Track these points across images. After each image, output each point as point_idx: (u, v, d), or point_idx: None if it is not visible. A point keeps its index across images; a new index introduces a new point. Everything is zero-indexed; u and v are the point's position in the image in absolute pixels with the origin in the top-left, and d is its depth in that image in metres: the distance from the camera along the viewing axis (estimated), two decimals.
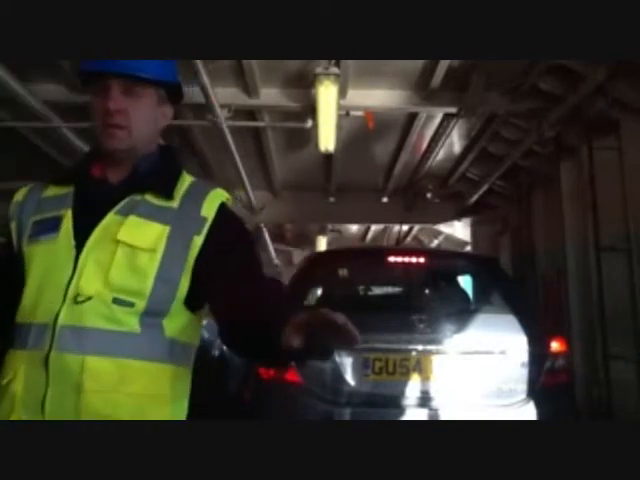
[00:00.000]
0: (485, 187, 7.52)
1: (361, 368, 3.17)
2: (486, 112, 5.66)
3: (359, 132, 6.25)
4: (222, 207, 1.36)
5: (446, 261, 4.35)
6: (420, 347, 3.21)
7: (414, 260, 3.78)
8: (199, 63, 4.37)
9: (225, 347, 6.85)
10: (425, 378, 3.17)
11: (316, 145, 5.96)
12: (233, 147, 6.24)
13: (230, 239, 1.35)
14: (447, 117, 5.83)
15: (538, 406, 3.16)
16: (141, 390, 1.24)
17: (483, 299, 4.04)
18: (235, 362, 6.79)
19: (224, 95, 5.28)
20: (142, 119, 1.33)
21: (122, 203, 1.30)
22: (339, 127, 5.65)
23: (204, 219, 1.32)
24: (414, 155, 7.25)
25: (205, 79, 4.62)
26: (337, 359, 3.16)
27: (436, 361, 3.20)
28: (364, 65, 4.86)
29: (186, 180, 1.40)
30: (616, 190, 5.01)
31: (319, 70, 4.63)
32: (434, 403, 3.14)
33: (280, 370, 3.00)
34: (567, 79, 4.81)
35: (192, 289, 1.31)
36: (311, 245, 11.93)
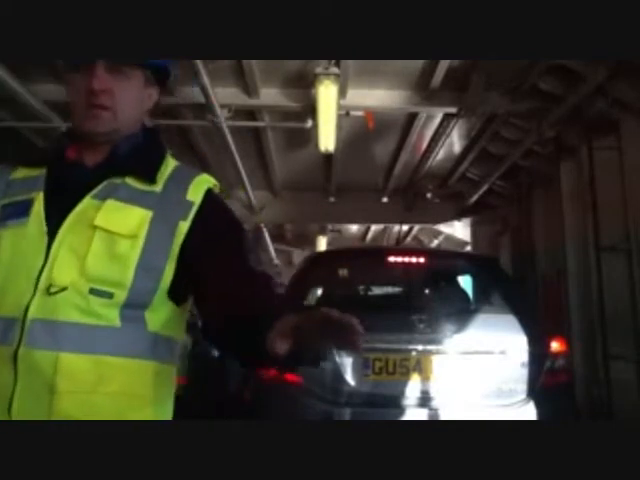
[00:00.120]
0: (485, 187, 7.52)
1: (361, 368, 3.17)
2: (486, 112, 5.66)
3: (359, 132, 6.25)
4: (209, 192, 1.26)
5: (446, 261, 4.35)
6: (420, 347, 3.21)
7: (414, 260, 3.78)
8: (199, 63, 4.37)
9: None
10: (425, 378, 3.17)
11: (316, 145, 5.96)
12: (233, 147, 6.24)
13: (218, 226, 1.25)
14: (447, 117, 5.83)
15: (538, 406, 3.16)
16: (121, 390, 1.14)
17: (483, 299, 4.04)
18: (235, 362, 6.79)
19: (224, 95, 5.28)
20: (128, 101, 1.24)
21: (100, 186, 1.19)
22: (339, 127, 5.65)
23: (190, 203, 1.22)
24: (414, 155, 7.25)
25: (205, 79, 4.62)
26: (337, 359, 3.16)
27: (436, 361, 3.20)
28: (364, 65, 4.86)
29: (170, 164, 1.29)
30: (616, 190, 5.01)
31: (319, 70, 4.63)
32: (434, 403, 3.14)
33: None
34: (567, 79, 4.82)
35: (176, 279, 1.20)
36: (311, 245, 11.93)
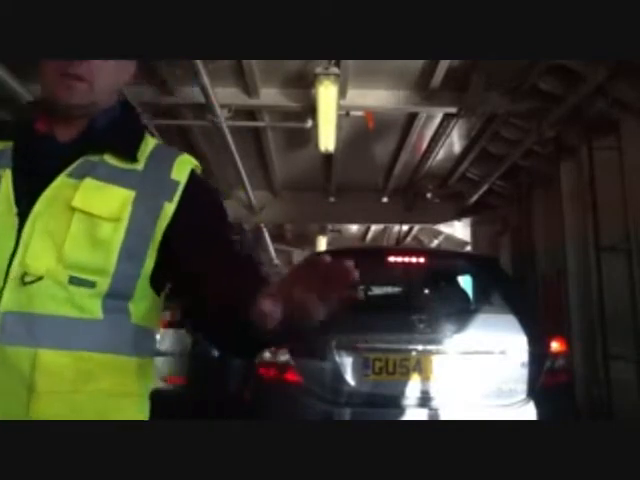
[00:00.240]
0: (485, 187, 7.52)
1: (361, 368, 3.17)
2: (486, 112, 5.66)
3: (359, 132, 6.25)
4: (193, 173, 1.17)
5: (446, 261, 4.35)
6: (420, 347, 3.21)
7: (414, 260, 3.78)
8: (199, 63, 4.37)
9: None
10: (425, 378, 3.17)
11: (316, 145, 5.96)
12: (233, 147, 6.24)
13: (205, 209, 1.17)
14: (447, 117, 5.83)
15: (538, 406, 3.16)
16: (104, 388, 1.05)
17: (483, 299, 4.03)
18: (235, 362, 6.79)
19: (224, 95, 5.28)
20: (106, 71, 1.14)
21: (75, 164, 1.08)
22: (339, 127, 5.65)
23: (175, 182, 1.13)
24: (414, 155, 7.25)
25: (205, 79, 4.62)
26: (337, 359, 3.16)
27: (436, 361, 3.20)
28: (364, 65, 4.86)
29: (150, 141, 1.19)
30: (616, 190, 5.01)
31: (319, 70, 4.63)
32: (434, 403, 3.14)
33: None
34: (567, 79, 4.82)
35: (159, 264, 1.11)
36: (311, 245, 11.92)
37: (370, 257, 4.27)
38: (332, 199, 8.75)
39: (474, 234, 9.61)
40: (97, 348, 1.04)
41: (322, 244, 11.54)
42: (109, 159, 1.11)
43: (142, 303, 1.11)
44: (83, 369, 1.03)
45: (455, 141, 6.86)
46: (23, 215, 1.03)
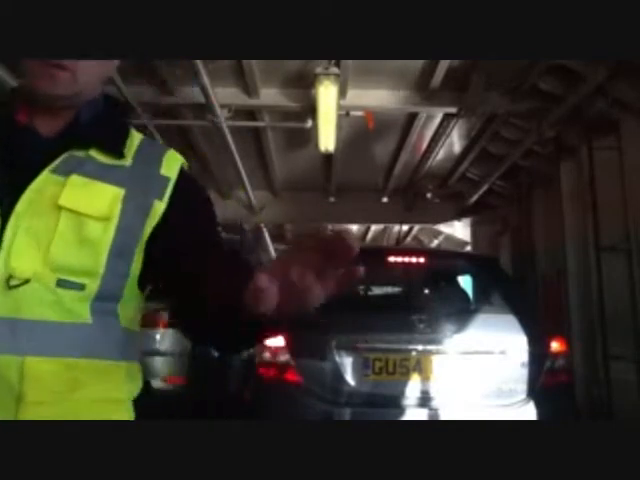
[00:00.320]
0: (485, 187, 7.52)
1: (361, 368, 3.17)
2: (486, 112, 5.66)
3: (359, 132, 6.25)
4: (183, 169, 1.12)
5: (446, 261, 4.36)
6: (420, 347, 3.21)
7: (414, 260, 3.78)
8: (199, 63, 4.37)
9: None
10: (425, 378, 3.17)
11: (316, 145, 5.96)
12: (233, 147, 6.24)
13: (196, 207, 1.13)
14: (447, 117, 5.83)
15: (538, 406, 3.17)
16: (95, 396, 1.00)
17: (483, 299, 4.04)
18: (235, 362, 6.80)
19: (224, 95, 5.28)
20: (87, 63, 1.08)
21: (59, 159, 1.00)
22: (339, 127, 5.65)
23: (166, 179, 1.08)
24: (414, 155, 7.25)
25: (205, 79, 4.62)
26: (337, 359, 3.16)
27: (436, 361, 3.20)
28: (364, 65, 4.86)
29: (136, 137, 1.14)
30: (616, 190, 5.01)
31: (319, 70, 4.63)
32: (434, 403, 3.14)
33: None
34: (567, 79, 4.82)
35: (146, 263, 1.05)
36: None
37: (370, 257, 4.27)
38: (332, 199, 8.75)
39: (474, 234, 9.61)
40: (85, 354, 0.98)
41: None
42: (95, 154, 1.04)
43: (130, 305, 1.06)
44: (70, 377, 0.97)
45: (455, 141, 6.86)
46: (5, 214, 0.95)
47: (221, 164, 7.21)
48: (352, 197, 8.77)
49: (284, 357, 3.14)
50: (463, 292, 4.17)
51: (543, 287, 6.69)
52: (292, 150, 7.09)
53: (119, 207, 1.00)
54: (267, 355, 3.16)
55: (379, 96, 5.47)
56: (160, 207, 1.05)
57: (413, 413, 3.10)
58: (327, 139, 5.75)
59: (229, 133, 5.86)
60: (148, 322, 4.55)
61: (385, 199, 8.82)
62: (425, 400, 3.14)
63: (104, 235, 0.99)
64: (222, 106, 5.33)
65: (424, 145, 6.91)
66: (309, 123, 5.69)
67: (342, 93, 5.09)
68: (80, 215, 0.97)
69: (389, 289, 5.18)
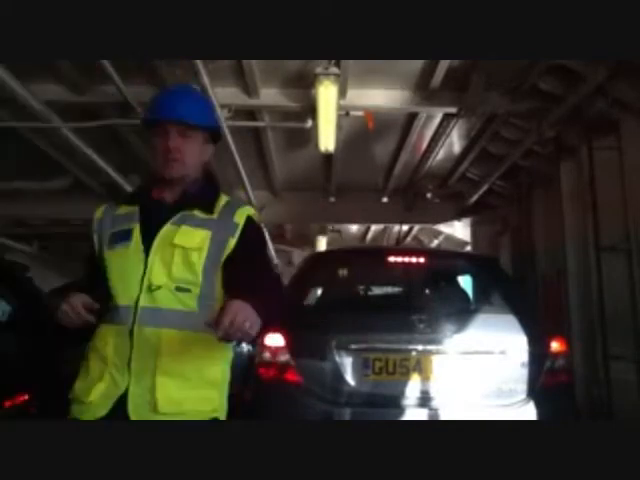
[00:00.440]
0: (485, 187, 7.51)
1: (361, 368, 3.17)
2: (486, 112, 5.65)
3: (359, 132, 6.25)
4: (249, 218, 1.81)
5: (446, 261, 4.35)
6: (420, 347, 3.21)
7: (414, 260, 3.78)
8: (199, 63, 4.37)
9: None
10: (425, 378, 3.17)
11: (316, 145, 5.95)
12: (233, 147, 6.23)
13: (252, 244, 1.79)
14: (447, 117, 5.82)
15: (538, 406, 3.16)
16: (200, 354, 1.67)
17: (483, 299, 4.03)
18: (235, 362, 6.79)
19: (224, 95, 5.28)
20: (192, 154, 1.77)
21: (176, 217, 1.74)
22: (339, 127, 5.65)
23: (236, 224, 1.77)
24: (414, 155, 7.24)
25: (205, 79, 4.61)
26: (337, 359, 3.16)
27: (436, 361, 3.20)
28: (364, 65, 4.86)
29: (223, 199, 1.85)
30: (616, 190, 5.01)
31: (319, 70, 4.63)
32: (434, 403, 3.14)
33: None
34: (567, 79, 4.81)
35: (225, 277, 1.75)
36: (311, 245, 11.91)
37: (370, 257, 4.27)
38: (332, 199, 8.74)
39: (474, 234, 9.60)
40: (195, 328, 1.62)
41: (322, 244, 11.52)
42: (197, 212, 1.77)
43: (221, 301, 1.72)
44: (187, 341, 1.65)
45: (455, 141, 6.85)
46: (147, 250, 1.70)
47: (221, 164, 7.21)
48: (352, 197, 8.76)
49: (284, 357, 3.13)
50: (463, 292, 4.16)
51: (543, 287, 6.68)
52: (292, 150, 7.09)
53: (208, 242, 1.72)
54: (267, 355, 3.16)
55: (379, 96, 5.47)
56: (232, 242, 1.76)
57: (413, 413, 3.09)
58: (327, 139, 5.75)
59: (229, 133, 5.86)
60: None
61: (385, 199, 8.81)
62: (425, 400, 3.14)
63: (199, 259, 1.70)
64: (222, 106, 5.32)
65: (424, 145, 6.90)
66: (309, 123, 5.68)
67: (342, 93, 5.08)
68: (185, 248, 1.70)
69: (389, 289, 5.18)
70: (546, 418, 3.10)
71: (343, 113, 5.52)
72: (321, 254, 6.68)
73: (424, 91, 5.30)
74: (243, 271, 1.73)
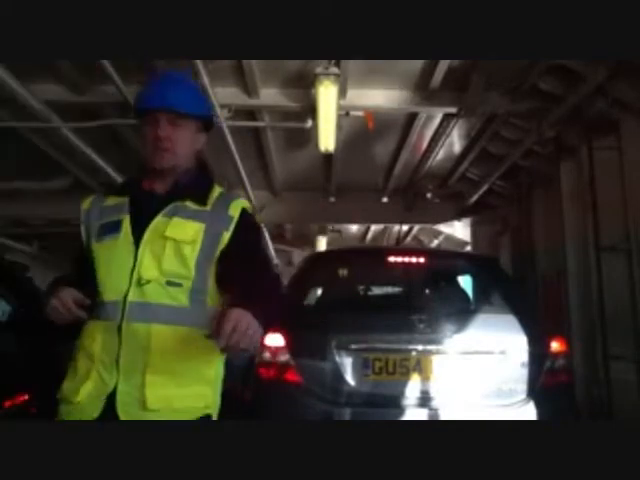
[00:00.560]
0: (485, 187, 7.51)
1: (361, 368, 3.16)
2: (486, 112, 5.65)
3: (359, 132, 6.25)
4: (244, 210, 1.75)
5: (446, 261, 4.35)
6: (420, 347, 3.21)
7: (414, 260, 3.78)
8: (199, 63, 4.37)
9: None
10: (425, 378, 3.17)
11: (316, 145, 5.95)
12: (233, 147, 6.23)
13: (247, 236, 1.73)
14: (447, 117, 5.82)
15: (538, 406, 3.16)
16: (192, 349, 1.60)
17: (483, 299, 4.03)
18: (235, 362, 6.79)
19: (224, 95, 5.28)
20: (183, 143, 1.71)
21: (167, 208, 1.68)
22: (339, 127, 5.64)
23: (231, 217, 1.71)
24: (414, 155, 7.24)
25: (205, 79, 4.61)
26: (337, 359, 3.16)
27: (436, 361, 3.19)
28: (364, 65, 4.86)
29: (216, 190, 1.79)
30: (616, 190, 5.01)
31: (319, 70, 4.63)
32: (434, 403, 3.14)
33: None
34: (567, 79, 4.81)
35: (219, 273, 1.69)
36: (311, 245, 11.91)
37: (370, 257, 4.27)
38: (332, 199, 8.73)
39: (474, 234, 9.59)
40: (187, 323, 1.61)
41: (322, 244, 11.52)
42: (189, 204, 1.71)
43: (214, 296, 1.70)
44: (178, 336, 1.60)
45: (455, 141, 6.85)
46: (137, 243, 1.64)
47: (221, 164, 7.21)
48: (352, 197, 8.76)
49: (284, 357, 3.13)
50: (463, 292, 4.16)
51: (543, 287, 6.68)
52: (292, 150, 7.08)
53: (201, 235, 1.66)
54: (267, 355, 3.16)
55: (379, 96, 5.47)
56: (226, 236, 1.70)
57: (413, 413, 3.09)
58: (327, 139, 5.75)
59: (229, 133, 5.86)
60: None
61: (385, 199, 8.81)
62: (425, 400, 3.14)
63: (192, 253, 1.64)
64: (222, 106, 5.32)
65: (424, 145, 6.90)
66: (309, 123, 5.68)
67: (342, 93, 5.08)
68: (177, 241, 1.63)
69: (389, 289, 5.17)
70: (546, 418, 3.10)
71: (343, 113, 5.51)
72: (321, 254, 6.68)
73: (424, 91, 5.30)
74: (239, 268, 1.68)
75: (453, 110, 5.50)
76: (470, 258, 5.05)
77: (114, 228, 1.68)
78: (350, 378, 3.15)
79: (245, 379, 3.36)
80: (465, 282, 4.42)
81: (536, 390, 3.21)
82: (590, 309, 5.34)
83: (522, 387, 3.21)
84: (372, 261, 4.12)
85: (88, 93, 5.24)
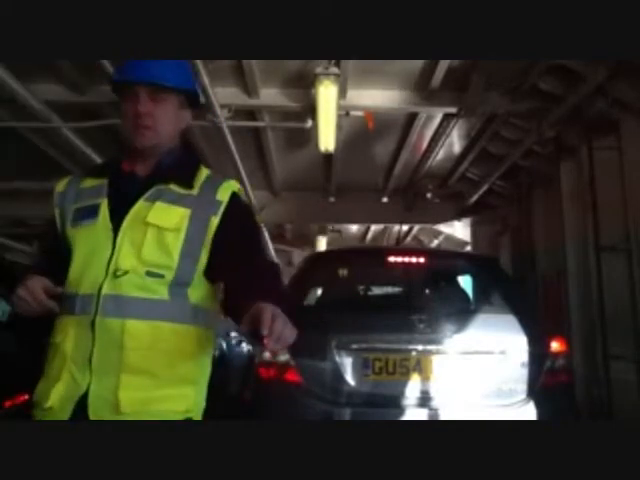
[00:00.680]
0: (485, 187, 7.51)
1: (361, 368, 3.16)
2: (486, 112, 5.65)
3: (359, 132, 6.25)
4: (234, 194, 1.58)
5: (446, 261, 4.35)
6: (420, 347, 3.21)
7: (414, 260, 3.78)
8: (199, 63, 4.37)
9: (225, 346, 6.86)
10: (425, 378, 3.17)
11: (316, 145, 5.95)
12: (233, 147, 6.23)
13: (240, 221, 1.57)
14: (447, 117, 5.82)
15: (538, 406, 3.16)
16: (171, 347, 1.47)
17: (483, 299, 4.03)
18: (235, 362, 6.79)
19: (224, 95, 5.28)
20: (165, 120, 1.55)
21: (150, 192, 1.52)
22: (339, 127, 5.65)
23: (219, 202, 1.55)
24: (414, 155, 7.24)
25: (205, 79, 4.61)
26: (337, 359, 3.16)
27: (436, 361, 3.19)
28: (364, 65, 4.86)
29: (203, 172, 1.63)
30: (616, 190, 5.01)
31: (319, 70, 4.63)
32: (434, 403, 3.14)
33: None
34: (567, 79, 4.81)
35: (209, 262, 1.54)
36: (311, 245, 11.91)
37: (370, 257, 4.27)
38: (332, 199, 8.74)
39: (474, 234, 9.60)
40: (166, 319, 1.47)
41: (322, 244, 11.53)
42: (173, 187, 1.55)
43: (198, 289, 1.54)
44: (156, 333, 1.45)
45: (455, 141, 6.85)
46: (116, 230, 1.48)
47: (221, 164, 7.20)
48: (352, 197, 8.77)
49: (284, 357, 3.13)
50: (463, 292, 4.16)
51: (543, 287, 6.68)
52: (292, 150, 7.09)
53: (186, 222, 1.50)
54: (267, 355, 3.16)
55: (379, 96, 5.47)
56: (215, 221, 1.53)
57: (413, 413, 3.09)
58: (327, 139, 5.75)
59: (229, 133, 5.86)
60: None
61: (385, 199, 8.81)
62: (425, 400, 3.14)
63: (176, 241, 1.49)
64: (222, 106, 5.32)
65: (424, 145, 6.90)
66: (309, 123, 5.68)
67: (342, 93, 5.08)
68: (160, 228, 1.48)
69: (389, 289, 5.17)
70: (546, 418, 3.10)
71: (343, 113, 5.52)
72: (321, 254, 6.68)
73: (424, 91, 5.30)
74: (231, 258, 1.52)
75: (453, 110, 5.50)
76: (470, 258, 5.05)
77: (91, 213, 1.53)
78: (350, 378, 3.15)
79: (245, 379, 3.36)
80: (465, 282, 4.42)
81: (536, 390, 3.21)
82: (590, 309, 5.34)
83: (522, 387, 3.21)
84: (372, 261, 4.12)
85: (88, 93, 5.24)
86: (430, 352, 3.20)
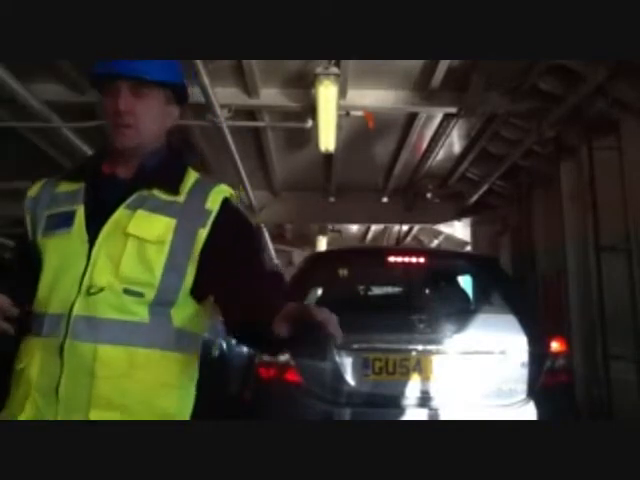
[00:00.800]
0: (485, 187, 7.52)
1: (361, 368, 3.17)
2: (486, 112, 5.65)
3: (359, 132, 6.25)
4: (226, 201, 1.40)
5: (446, 261, 4.35)
6: (420, 347, 3.21)
7: (414, 260, 3.78)
8: (199, 63, 4.37)
9: (225, 346, 6.86)
10: (425, 378, 3.17)
11: (316, 145, 5.95)
12: (233, 147, 6.23)
13: (233, 232, 1.39)
14: (447, 117, 5.82)
15: (538, 406, 3.16)
16: (149, 377, 1.29)
17: (483, 299, 4.03)
18: (235, 362, 6.79)
19: (224, 95, 5.28)
20: (149, 118, 1.38)
21: (131, 198, 1.35)
22: (339, 127, 5.65)
23: (208, 212, 1.37)
24: (414, 155, 7.24)
25: (205, 79, 4.61)
26: (337, 359, 3.16)
27: (436, 361, 3.20)
28: (364, 65, 4.86)
29: (191, 176, 1.44)
30: (616, 190, 5.01)
31: (319, 70, 4.63)
32: (434, 403, 3.14)
33: (276, 356, 2.97)
34: (567, 79, 4.81)
35: (197, 279, 1.35)
36: (311, 245, 11.92)
37: (370, 257, 4.27)
38: (332, 199, 8.74)
39: (474, 234, 9.60)
40: (144, 344, 1.28)
41: (322, 244, 11.53)
42: (157, 193, 1.37)
43: (183, 310, 1.35)
44: (133, 361, 1.27)
45: (455, 141, 6.85)
46: (92, 240, 1.31)
47: (221, 164, 7.21)
48: (352, 197, 8.77)
49: (284, 357, 3.13)
50: (463, 292, 4.16)
51: (543, 287, 6.68)
52: (292, 150, 7.09)
53: (171, 234, 1.32)
54: (267, 355, 3.16)
55: (379, 96, 5.47)
56: (204, 233, 1.35)
57: (413, 413, 3.09)
58: (327, 139, 5.75)
59: (229, 133, 5.86)
60: None
61: (385, 199, 8.82)
62: (425, 400, 3.14)
63: (159, 255, 1.31)
64: (222, 106, 5.32)
65: (424, 145, 6.90)
66: (309, 123, 5.68)
67: (342, 93, 5.08)
68: (141, 240, 1.30)
69: (389, 289, 5.18)
70: (546, 418, 3.10)
71: (343, 113, 5.52)
72: (321, 254, 6.68)
73: (424, 91, 5.30)
74: (225, 273, 1.35)
75: (453, 110, 5.51)
76: (470, 258, 5.06)
77: (65, 221, 1.35)
78: (350, 378, 3.15)
79: (245, 379, 3.36)
80: (465, 282, 4.42)
81: (536, 390, 3.21)
82: (590, 309, 5.34)
83: (522, 387, 3.21)
84: (372, 261, 4.12)
85: (88, 93, 5.24)
86: (430, 352, 3.20)
